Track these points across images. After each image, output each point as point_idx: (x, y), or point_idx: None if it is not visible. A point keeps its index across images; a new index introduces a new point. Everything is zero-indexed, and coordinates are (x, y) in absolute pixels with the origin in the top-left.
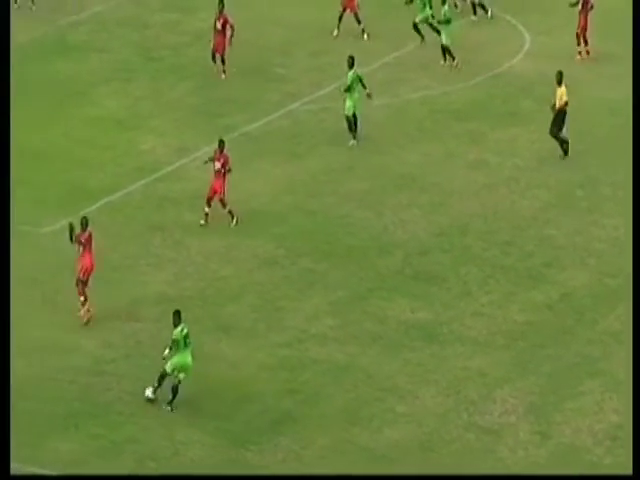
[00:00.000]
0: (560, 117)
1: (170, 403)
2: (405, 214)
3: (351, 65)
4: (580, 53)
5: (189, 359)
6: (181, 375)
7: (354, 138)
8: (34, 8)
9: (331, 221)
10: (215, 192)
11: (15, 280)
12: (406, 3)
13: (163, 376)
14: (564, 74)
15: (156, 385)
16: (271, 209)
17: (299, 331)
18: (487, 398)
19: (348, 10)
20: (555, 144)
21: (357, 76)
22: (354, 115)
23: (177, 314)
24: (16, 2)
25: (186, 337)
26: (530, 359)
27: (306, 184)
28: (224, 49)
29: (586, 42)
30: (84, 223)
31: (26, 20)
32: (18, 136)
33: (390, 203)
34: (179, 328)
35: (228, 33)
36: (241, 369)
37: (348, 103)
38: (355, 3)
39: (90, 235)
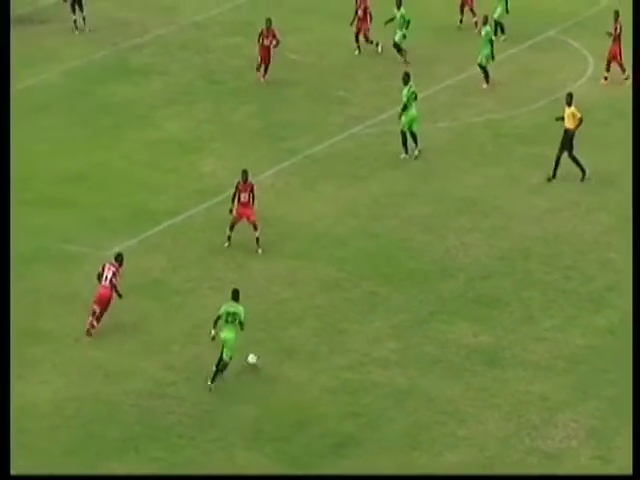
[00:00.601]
0: (568, 138)
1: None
2: (467, 238)
3: (406, 82)
4: (606, 78)
5: (230, 335)
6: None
7: (406, 152)
8: (91, 31)
9: (393, 244)
10: (246, 217)
11: (76, 303)
12: (385, 23)
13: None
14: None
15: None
16: (334, 232)
17: (361, 354)
18: (549, 422)
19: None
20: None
21: (413, 92)
22: (411, 131)
23: (235, 292)
24: (76, 28)
25: (228, 315)
26: (591, 383)
27: (369, 207)
28: (269, 60)
29: (623, 69)
30: (119, 259)
31: (87, 44)
32: (80, 158)
33: (452, 227)
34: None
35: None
36: (303, 392)
37: (404, 119)
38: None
39: (117, 269)
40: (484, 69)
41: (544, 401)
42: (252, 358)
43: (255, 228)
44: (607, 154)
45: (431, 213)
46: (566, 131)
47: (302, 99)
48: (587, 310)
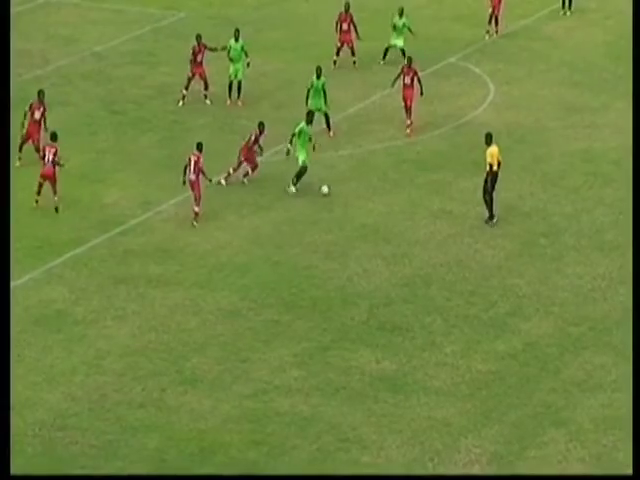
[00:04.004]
0: (491, 178)
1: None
2: (369, 265)
3: (309, 121)
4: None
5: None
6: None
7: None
8: None
9: (296, 272)
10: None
11: None
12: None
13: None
14: (540, 123)
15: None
16: (236, 260)
17: (264, 382)
18: (451, 448)
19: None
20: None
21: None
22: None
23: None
24: None
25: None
26: (494, 408)
27: (271, 235)
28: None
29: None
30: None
31: None
32: None
33: (354, 254)
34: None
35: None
36: (206, 421)
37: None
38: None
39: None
40: None
41: (447, 426)
42: (325, 188)
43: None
44: (509, 180)
45: (333, 240)
46: (489, 170)
47: (204, 128)
48: (489, 335)
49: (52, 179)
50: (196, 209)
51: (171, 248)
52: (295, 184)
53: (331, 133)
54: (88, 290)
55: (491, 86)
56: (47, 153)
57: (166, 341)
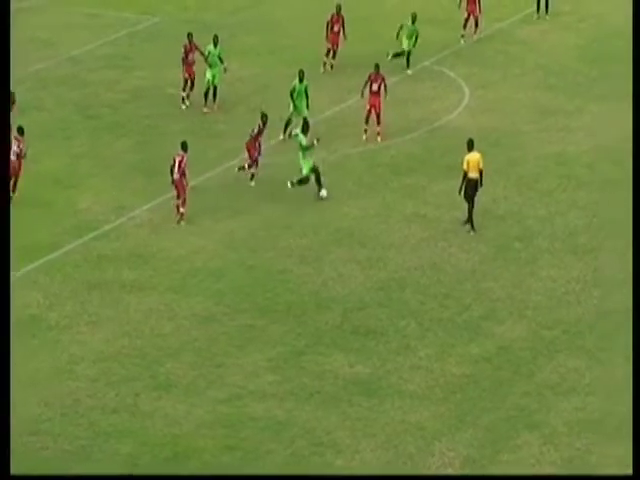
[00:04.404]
0: (471, 185)
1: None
2: (344, 269)
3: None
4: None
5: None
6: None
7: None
8: None
9: (270, 277)
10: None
11: None
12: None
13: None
14: (515, 126)
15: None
16: (211, 265)
17: (238, 387)
18: (425, 451)
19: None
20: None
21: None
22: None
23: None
24: None
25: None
26: (468, 412)
27: (246, 240)
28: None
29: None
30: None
31: None
32: None
33: (329, 258)
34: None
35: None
36: (180, 426)
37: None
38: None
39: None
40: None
41: (420, 430)
42: (324, 192)
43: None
44: (484, 184)
45: (308, 245)
46: (470, 179)
47: (180, 133)
48: (463, 339)
49: (15, 173)
50: (182, 210)
51: (145, 253)
52: (294, 184)
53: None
54: (62, 295)
55: (466, 90)
56: (12, 145)
57: (140, 346)
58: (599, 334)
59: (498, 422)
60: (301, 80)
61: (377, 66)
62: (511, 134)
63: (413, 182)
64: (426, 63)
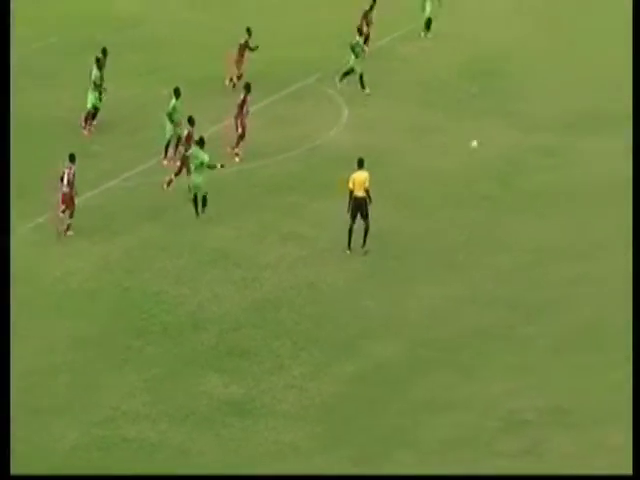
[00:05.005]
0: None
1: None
2: (219, 289)
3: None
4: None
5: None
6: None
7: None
8: None
9: (146, 298)
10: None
11: None
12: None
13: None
14: (394, 144)
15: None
16: (87, 287)
17: (112, 409)
18: (299, 471)
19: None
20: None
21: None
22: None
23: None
24: None
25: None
26: (343, 431)
27: (122, 261)
28: None
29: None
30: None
31: None
32: None
33: (205, 279)
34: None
35: None
36: (54, 449)
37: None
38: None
39: None
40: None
41: (294, 450)
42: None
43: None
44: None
45: (184, 265)
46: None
47: (56, 153)
48: (339, 358)
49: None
50: (69, 221)
51: (21, 274)
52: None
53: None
54: None
55: (345, 108)
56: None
57: (15, 368)
58: (475, 351)
59: (373, 441)
60: (177, 97)
61: (247, 86)
62: (390, 151)
63: (291, 201)
64: (307, 81)
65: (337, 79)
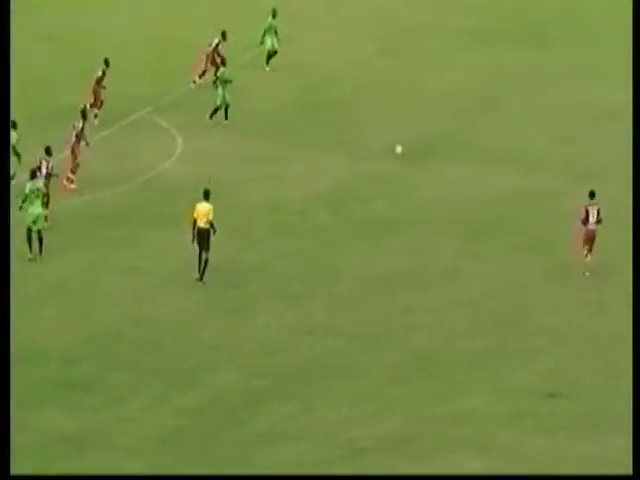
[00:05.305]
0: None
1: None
2: (56, 322)
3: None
4: None
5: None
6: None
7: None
8: None
9: None
10: None
11: None
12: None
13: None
14: (227, 174)
15: None
16: None
17: None
18: None
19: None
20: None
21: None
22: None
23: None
24: None
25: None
26: (179, 464)
27: None
28: None
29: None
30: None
31: None
32: None
33: (40, 313)
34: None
35: None
36: None
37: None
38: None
39: None
40: None
41: None
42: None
43: None
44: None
45: (20, 298)
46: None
47: None
48: (177, 389)
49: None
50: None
51: None
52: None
53: None
54: None
55: (179, 139)
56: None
57: None
58: (312, 381)
59: (211, 473)
60: (14, 128)
61: (83, 114)
62: (223, 182)
63: (128, 233)
64: (141, 113)
65: (207, 117)
